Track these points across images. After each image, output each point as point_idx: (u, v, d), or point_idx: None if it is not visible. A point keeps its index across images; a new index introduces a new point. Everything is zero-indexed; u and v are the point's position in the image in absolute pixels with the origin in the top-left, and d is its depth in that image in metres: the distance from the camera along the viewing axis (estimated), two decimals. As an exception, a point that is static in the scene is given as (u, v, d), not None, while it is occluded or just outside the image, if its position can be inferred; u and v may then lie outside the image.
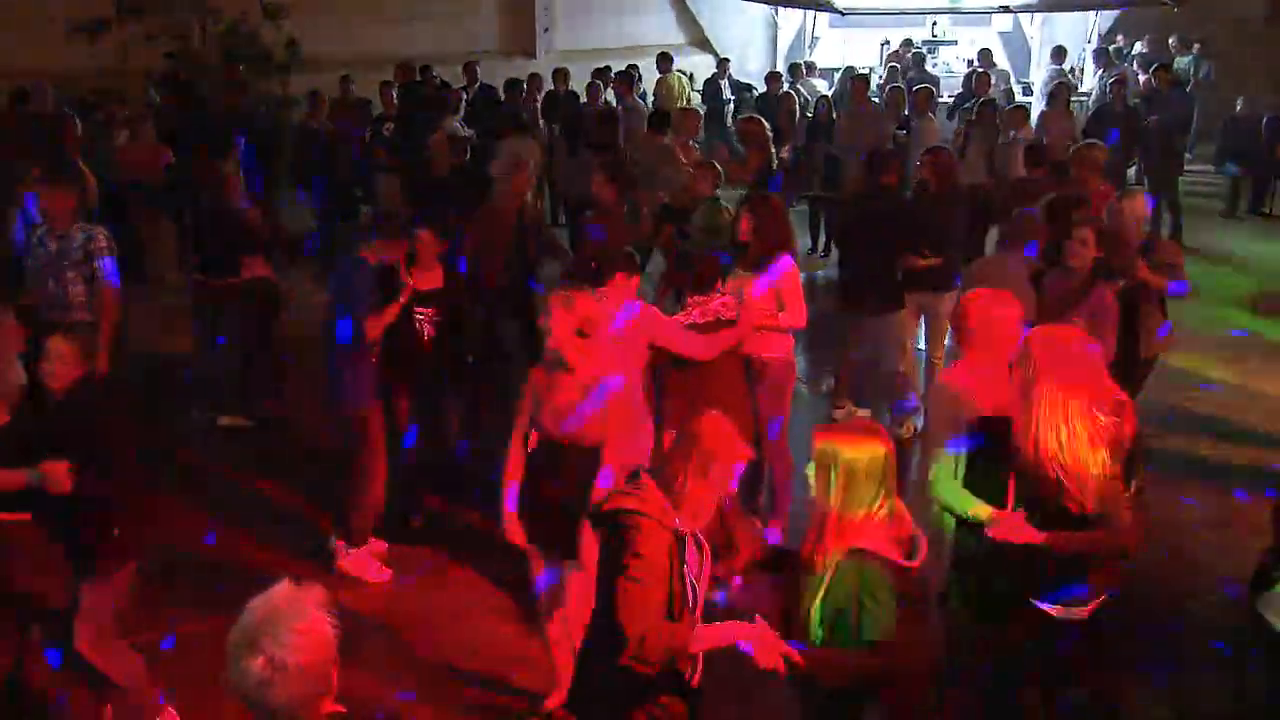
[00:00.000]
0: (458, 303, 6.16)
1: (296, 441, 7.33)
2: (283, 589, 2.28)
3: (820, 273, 11.57)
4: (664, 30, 19.25)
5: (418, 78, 13.75)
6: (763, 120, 9.89)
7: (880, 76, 16.18)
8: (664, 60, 15.06)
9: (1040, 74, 16.97)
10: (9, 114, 11.49)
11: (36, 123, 11.40)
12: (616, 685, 3.32)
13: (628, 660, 3.21)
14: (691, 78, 16.17)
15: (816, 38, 19.57)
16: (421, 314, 5.98)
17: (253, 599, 2.29)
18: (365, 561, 5.84)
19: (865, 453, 3.22)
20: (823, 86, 15.90)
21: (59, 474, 4.01)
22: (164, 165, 10.80)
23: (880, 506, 3.22)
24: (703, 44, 19.58)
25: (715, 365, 5.32)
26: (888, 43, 18.37)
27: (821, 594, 3.24)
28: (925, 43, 18.09)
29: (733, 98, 16.13)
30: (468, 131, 11.84)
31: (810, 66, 16.70)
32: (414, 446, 6.13)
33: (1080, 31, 18.56)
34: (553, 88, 14.07)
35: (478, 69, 14.43)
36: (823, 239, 12.22)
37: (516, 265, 7.48)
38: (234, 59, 12.80)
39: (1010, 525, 3.66)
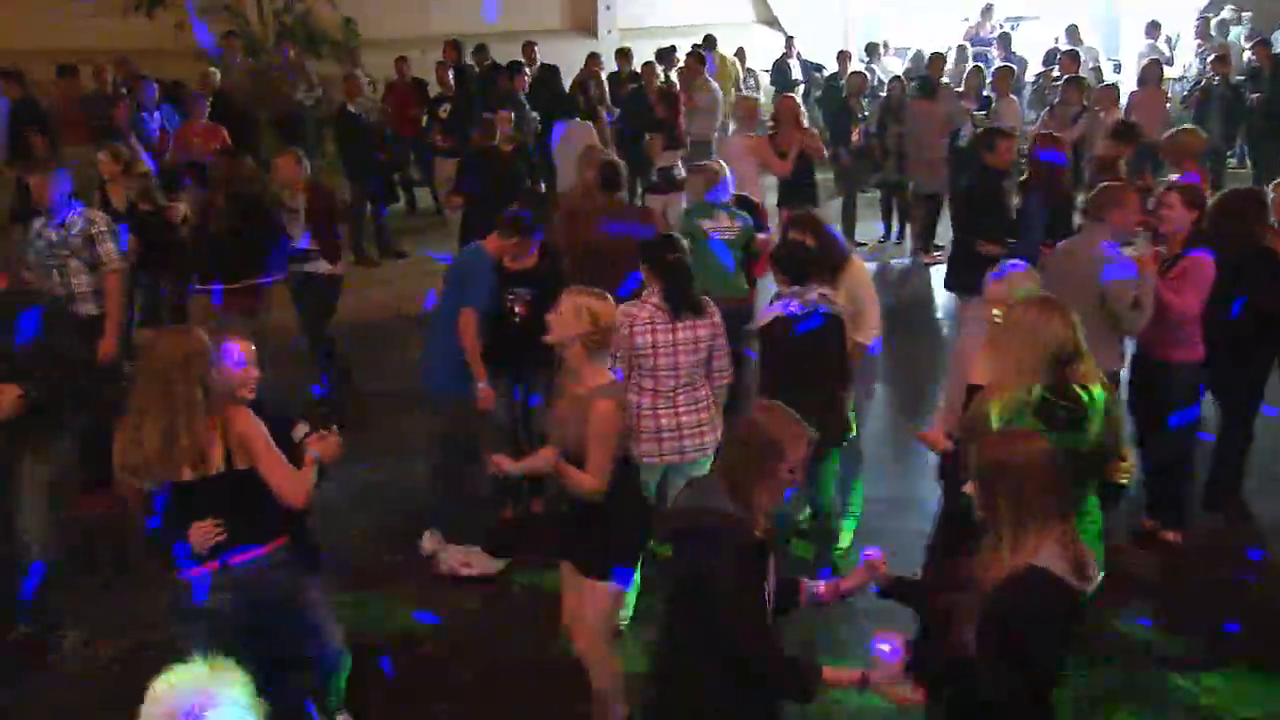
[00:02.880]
0: (551, 283, 6.18)
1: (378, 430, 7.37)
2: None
3: (895, 261, 11.51)
4: (730, 7, 19.19)
5: (467, 59, 13.84)
6: (749, 97, 9.90)
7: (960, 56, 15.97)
8: (709, 41, 14.99)
9: (1132, 50, 16.64)
10: (62, 91, 11.84)
11: (89, 102, 11.79)
12: (729, 710, 3.29)
13: (757, 681, 3.19)
14: (748, 67, 16.09)
15: (891, 15, 19.39)
16: (514, 294, 6.01)
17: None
18: (464, 557, 5.87)
19: (1036, 464, 3.09)
20: (897, 66, 15.75)
21: None
22: (218, 146, 11.04)
23: (1054, 522, 3.07)
24: (771, 22, 19.50)
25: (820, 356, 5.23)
26: (968, 19, 18.13)
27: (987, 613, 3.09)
28: (1009, 19, 17.81)
29: (802, 78, 16.06)
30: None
31: (885, 45, 16.55)
32: (510, 432, 6.19)
33: (1177, 3, 18.09)
34: (615, 68, 14.14)
35: (537, 48, 14.53)
36: (895, 225, 12.13)
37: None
38: (289, 38, 13.02)
39: None
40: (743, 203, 7.43)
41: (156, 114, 11.56)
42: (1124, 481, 4.27)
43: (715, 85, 13.16)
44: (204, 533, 3.76)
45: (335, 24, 13.38)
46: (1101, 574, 3.45)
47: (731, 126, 13.47)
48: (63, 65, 11.86)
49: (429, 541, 5.98)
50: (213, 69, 12.37)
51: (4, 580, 5.08)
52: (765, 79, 16.32)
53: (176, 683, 2.07)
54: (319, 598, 4.21)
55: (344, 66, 13.00)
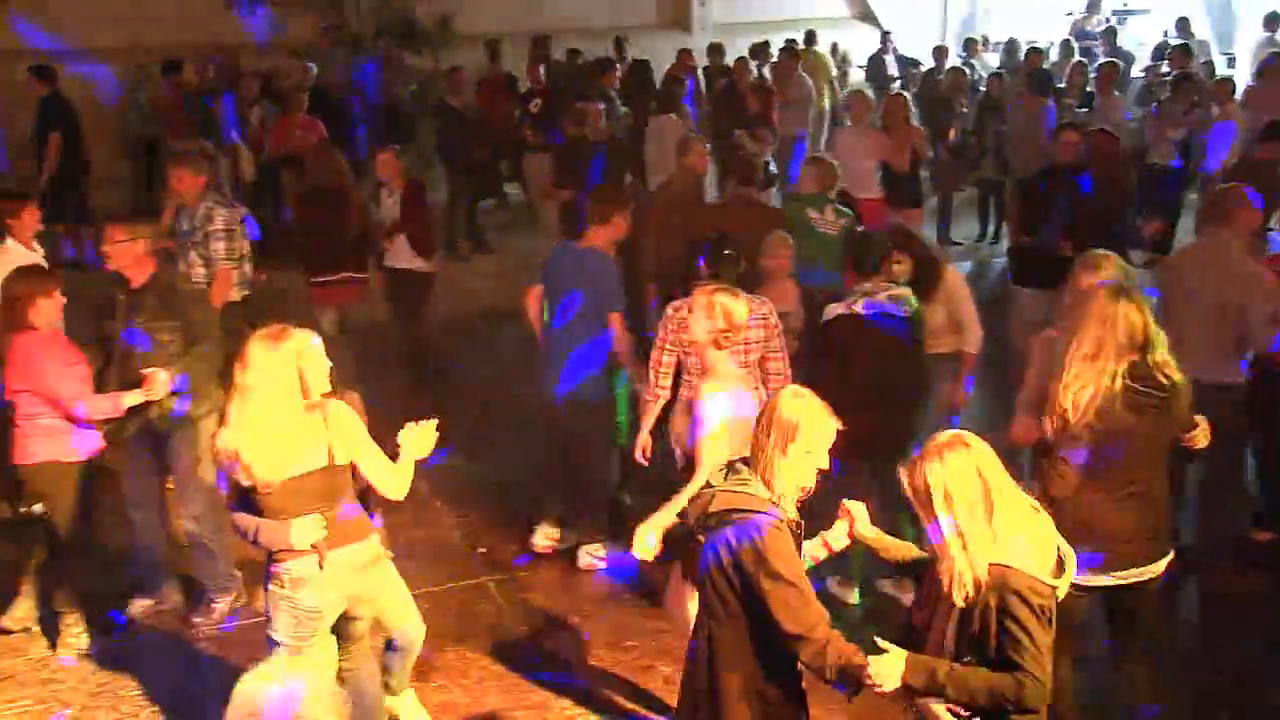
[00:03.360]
0: (641, 284, 6.21)
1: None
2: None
3: (997, 260, 11.31)
4: (826, 3, 19.03)
5: (550, 51, 13.91)
6: (863, 94, 9.73)
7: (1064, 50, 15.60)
8: (808, 36, 14.84)
9: (1247, 44, 16.08)
10: (166, 87, 12.22)
11: (190, 97, 12.16)
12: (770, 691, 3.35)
13: (807, 660, 3.21)
14: (843, 63, 15.90)
15: (991, 9, 19.03)
16: None
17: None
18: (608, 553, 5.92)
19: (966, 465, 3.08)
20: (996, 61, 15.46)
21: None
22: (317, 140, 11.28)
23: (1012, 520, 3.09)
24: (867, 17, 19.29)
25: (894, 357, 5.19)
26: (1072, 13, 17.71)
27: (958, 615, 3.12)
28: (1116, 12, 17.35)
29: (898, 74, 15.85)
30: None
31: (984, 40, 16.25)
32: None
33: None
34: (708, 63, 14.12)
35: (628, 43, 14.57)
36: (993, 224, 11.92)
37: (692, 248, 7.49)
38: (386, 32, 13.25)
39: None
40: (843, 198, 7.43)
41: (256, 109, 11.88)
42: (1201, 445, 4.25)
43: (808, 81, 13.06)
44: (309, 528, 3.82)
45: (431, 18, 13.58)
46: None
47: (815, 123, 13.50)
48: (168, 61, 12.25)
49: (543, 536, 6.05)
50: (310, 64, 12.65)
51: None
52: (860, 75, 16.15)
53: (258, 682, 2.09)
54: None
55: (428, 61, 13.25)
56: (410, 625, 4.36)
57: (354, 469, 3.94)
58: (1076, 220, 7.05)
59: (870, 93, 11.27)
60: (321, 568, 3.86)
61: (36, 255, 6.30)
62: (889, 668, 3.08)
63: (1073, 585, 3.78)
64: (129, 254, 5.13)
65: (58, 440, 4.98)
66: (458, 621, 5.39)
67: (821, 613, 3.22)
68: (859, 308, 5.14)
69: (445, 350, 8.34)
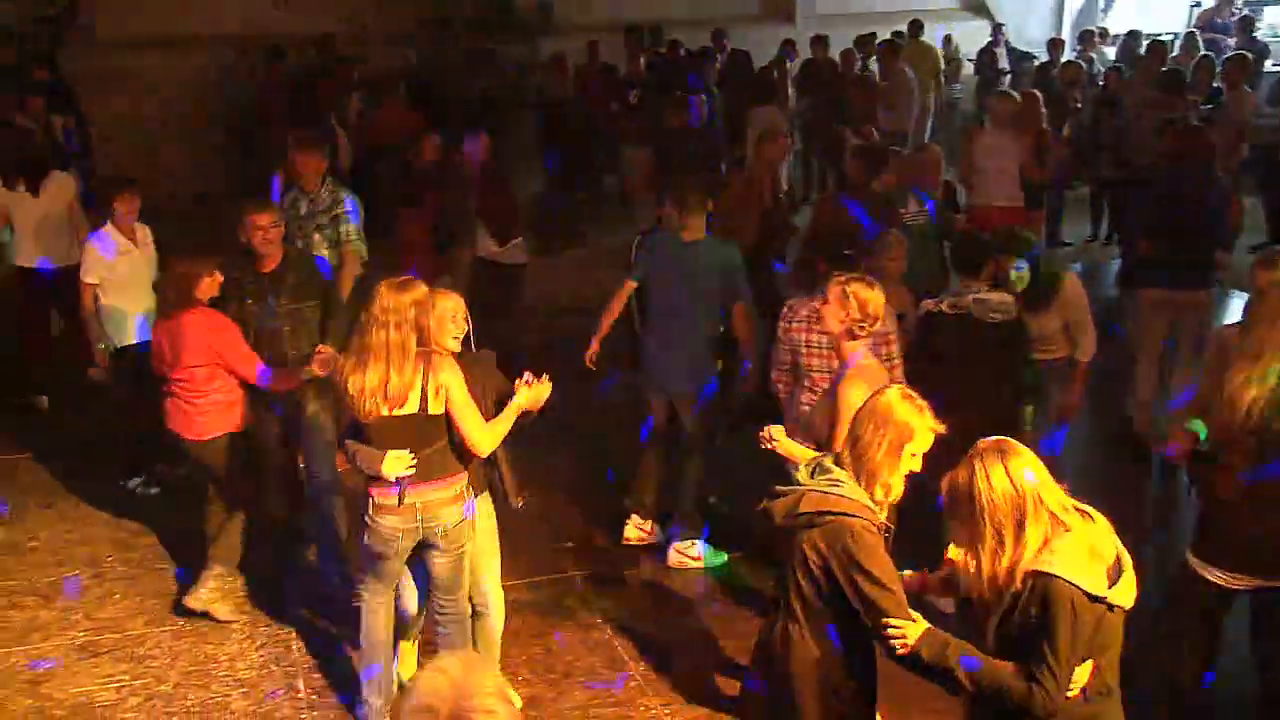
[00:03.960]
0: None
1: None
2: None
3: (1109, 262, 10.96)
4: (936, -6, 18.68)
5: (644, 40, 13.86)
6: (1013, 95, 9.34)
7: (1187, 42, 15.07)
8: (914, 28, 14.55)
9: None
10: (267, 73, 12.48)
11: (290, 84, 12.40)
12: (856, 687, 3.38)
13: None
14: (953, 57, 15.54)
15: (1110, 0, 18.48)
16: None
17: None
18: (699, 550, 5.91)
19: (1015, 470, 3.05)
20: (1115, 55, 14.99)
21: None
22: (413, 130, 11.41)
23: (1057, 525, 3.03)
24: (978, 9, 18.88)
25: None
26: (1198, 3, 17.09)
27: (999, 617, 3.09)
28: (1249, 3, 16.70)
29: (1009, 68, 15.48)
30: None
31: (1103, 33, 15.77)
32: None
33: None
34: (810, 55, 13.94)
35: (729, 34, 14.47)
36: (1105, 224, 11.56)
37: (762, 240, 7.46)
38: (483, 22, 13.36)
39: None
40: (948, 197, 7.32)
41: (354, 97, 12.05)
42: None
43: (911, 75, 12.81)
44: (400, 462, 4.16)
45: (530, 8, 13.65)
46: None
47: (919, 118, 13.23)
48: (271, 48, 12.50)
49: (634, 529, 6.05)
50: (409, 51, 12.81)
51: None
52: (969, 68, 15.80)
53: (432, 677, 2.07)
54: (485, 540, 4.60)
55: (526, 51, 13.33)
56: (489, 582, 4.66)
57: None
58: (1164, 221, 6.80)
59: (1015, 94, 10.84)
60: (402, 501, 4.22)
61: (133, 240, 6.54)
62: (912, 630, 3.15)
63: (1221, 583, 3.78)
64: (277, 238, 5.44)
65: (230, 414, 5.25)
66: (543, 616, 5.39)
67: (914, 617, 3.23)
68: (945, 306, 5.12)
69: (533, 340, 8.30)
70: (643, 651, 5.17)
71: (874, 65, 13.57)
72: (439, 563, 4.41)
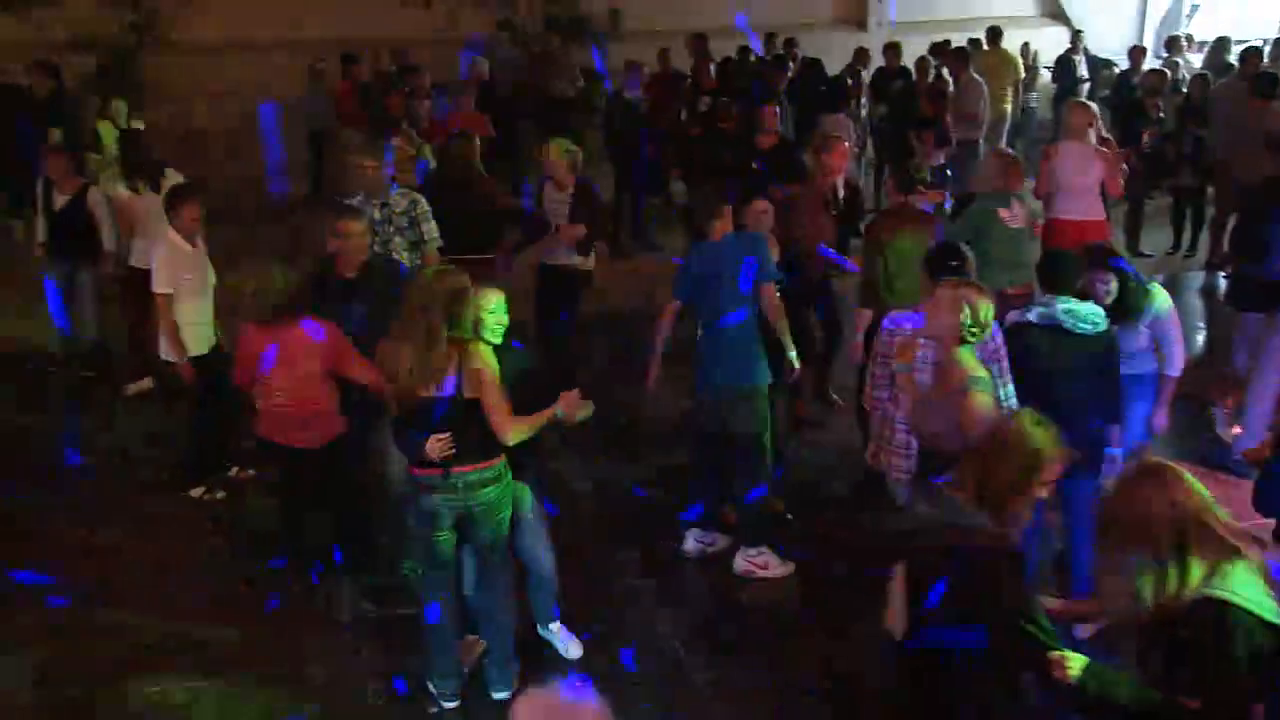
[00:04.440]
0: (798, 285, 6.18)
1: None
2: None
3: (1190, 274, 10.76)
4: (1014, 1, 18.47)
5: (708, 47, 13.85)
6: (1087, 105, 9.15)
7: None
8: (993, 34, 14.38)
9: None
10: (343, 79, 12.71)
11: (366, 89, 12.61)
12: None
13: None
14: (1031, 65, 15.33)
15: (1196, 5, 18.11)
16: None
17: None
18: (766, 559, 5.87)
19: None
20: (1201, 62, 14.69)
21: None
22: (485, 135, 11.54)
23: (1225, 550, 2.91)
24: (1057, 16, 18.64)
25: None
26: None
27: (1161, 645, 2.99)
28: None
29: (1088, 76, 15.25)
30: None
31: (1189, 39, 15.47)
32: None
33: None
34: (884, 63, 13.86)
35: (800, 41, 14.43)
36: (1187, 235, 11.33)
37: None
38: (555, 28, 13.47)
39: None
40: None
41: (426, 102, 12.21)
42: None
43: (983, 83, 12.66)
44: (439, 444, 4.44)
45: (601, 15, 13.74)
46: None
47: (994, 126, 13.06)
48: (346, 54, 12.73)
49: (694, 540, 6.05)
50: (480, 58, 12.96)
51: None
52: (1046, 76, 15.58)
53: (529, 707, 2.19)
54: (527, 518, 4.90)
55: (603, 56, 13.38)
56: (540, 550, 4.95)
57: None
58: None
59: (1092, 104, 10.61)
60: (446, 479, 4.50)
61: (193, 248, 6.53)
62: (1075, 662, 3.04)
63: None
64: (364, 246, 5.56)
65: (335, 419, 5.37)
66: (608, 627, 5.39)
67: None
68: (1032, 317, 5.07)
69: (600, 346, 8.34)
70: (711, 664, 5.16)
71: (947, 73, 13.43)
72: (477, 537, 4.69)
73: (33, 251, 8.43)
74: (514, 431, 4.52)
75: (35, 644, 5.27)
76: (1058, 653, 3.07)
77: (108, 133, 9.56)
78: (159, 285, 6.40)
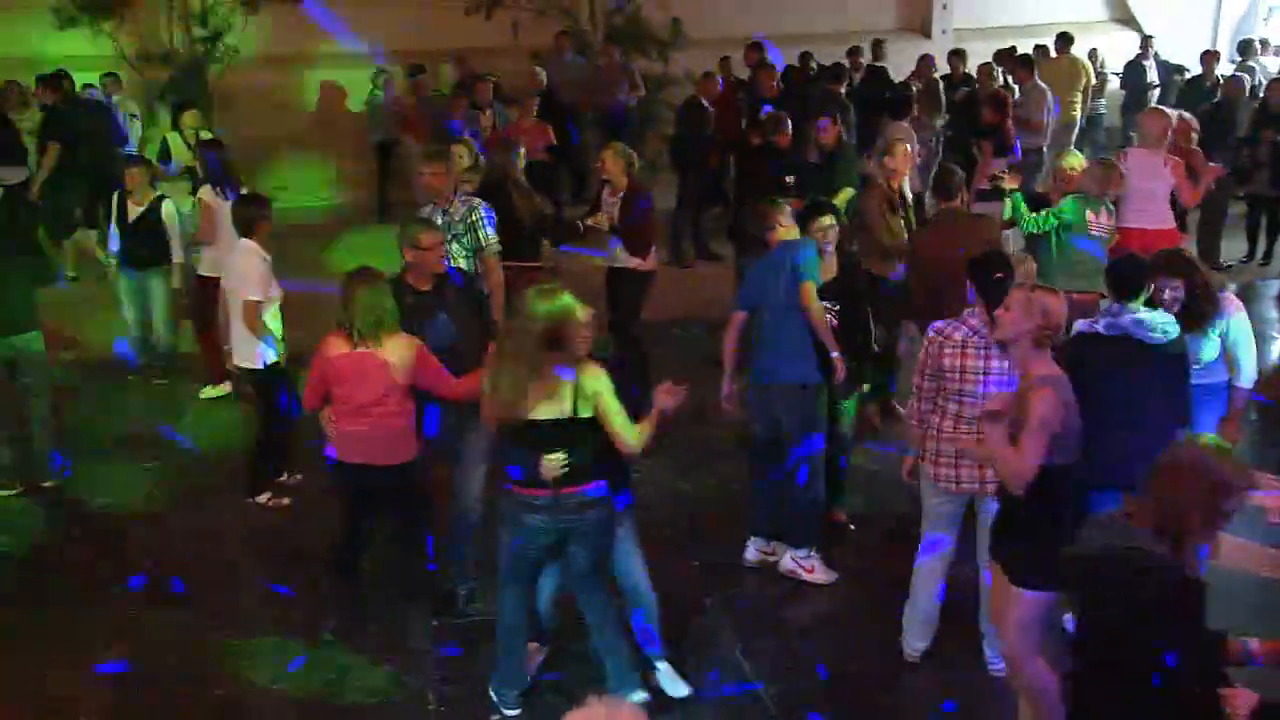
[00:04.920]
0: (855, 295, 6.15)
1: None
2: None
3: (1266, 281, 10.56)
4: (1081, 5, 18.23)
5: (765, 56, 13.81)
6: (1164, 112, 9.00)
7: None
8: (1061, 40, 14.18)
9: None
10: (409, 89, 12.89)
11: (428, 100, 12.77)
12: None
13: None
14: (1099, 71, 15.10)
15: (1272, 8, 17.76)
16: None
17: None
18: (813, 563, 5.88)
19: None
20: (1278, 67, 14.41)
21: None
22: (547, 144, 11.65)
23: None
24: (1127, 20, 18.37)
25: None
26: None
27: None
28: None
29: (1158, 81, 15.01)
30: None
31: (1264, 43, 15.17)
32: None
33: None
34: (949, 70, 13.77)
35: (863, 50, 14.37)
36: (1263, 243, 11.11)
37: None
38: (617, 37, 13.53)
39: None
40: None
41: (488, 112, 12.34)
42: None
43: (1047, 90, 12.51)
44: (553, 464, 4.46)
45: (663, 24, 13.78)
46: None
47: (1061, 133, 12.89)
48: (414, 65, 12.90)
49: (755, 550, 6.06)
50: (540, 68, 13.07)
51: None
52: (1115, 82, 15.36)
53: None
54: (626, 536, 4.89)
55: (658, 66, 13.44)
56: (640, 571, 4.94)
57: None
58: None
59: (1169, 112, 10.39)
60: (557, 498, 4.51)
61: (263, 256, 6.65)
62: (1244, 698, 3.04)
63: None
64: (441, 257, 5.57)
65: (414, 438, 5.30)
66: (670, 639, 5.29)
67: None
68: (1100, 326, 5.00)
69: (655, 355, 8.34)
70: (774, 675, 5.15)
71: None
72: (581, 557, 4.67)
73: (103, 261, 8.65)
74: (638, 440, 4.54)
75: (115, 643, 5.38)
76: (1231, 688, 3.05)
77: (177, 145, 9.76)
78: (251, 292, 6.49)
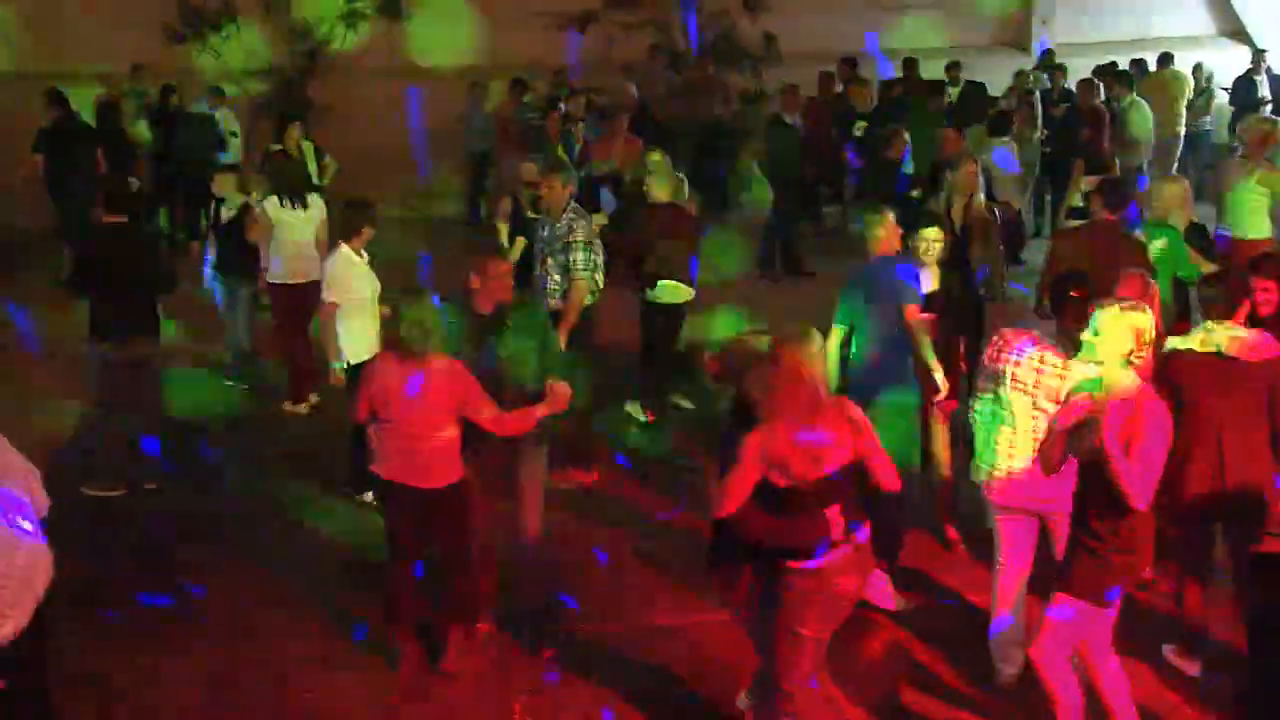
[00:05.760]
0: (957, 307, 6.17)
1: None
2: None
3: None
4: (1189, 19, 17.86)
5: (859, 71, 13.78)
6: (1269, 120, 8.76)
7: None
8: (1162, 58, 13.87)
9: None
10: (509, 105, 13.14)
11: (523, 114, 12.99)
12: None
13: None
14: (1205, 86, 14.78)
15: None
16: None
17: None
18: (886, 587, 5.72)
19: None
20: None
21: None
22: (636, 159, 11.75)
23: None
24: (1237, 34, 17.95)
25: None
26: None
27: None
28: None
29: (1269, 96, 14.63)
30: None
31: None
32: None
33: None
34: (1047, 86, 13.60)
35: (961, 65, 14.27)
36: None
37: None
38: (711, 52, 13.61)
39: None
40: (1196, 230, 7.07)
41: (580, 126, 12.51)
42: None
43: (1146, 106, 12.28)
44: (839, 520, 4.22)
45: (756, 39, 13.84)
46: None
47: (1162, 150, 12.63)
48: (515, 79, 13.14)
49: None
50: (632, 83, 13.21)
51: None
52: (1222, 98, 15.00)
53: None
54: None
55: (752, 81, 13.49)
56: None
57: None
58: None
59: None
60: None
61: (364, 262, 6.87)
62: None
63: None
64: (507, 286, 5.51)
65: (459, 460, 5.14)
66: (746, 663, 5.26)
67: None
68: (1195, 344, 4.96)
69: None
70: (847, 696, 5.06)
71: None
72: None
73: (201, 269, 8.95)
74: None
75: (210, 649, 5.50)
76: None
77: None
78: (329, 292, 6.70)
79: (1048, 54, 14.91)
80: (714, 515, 4.29)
